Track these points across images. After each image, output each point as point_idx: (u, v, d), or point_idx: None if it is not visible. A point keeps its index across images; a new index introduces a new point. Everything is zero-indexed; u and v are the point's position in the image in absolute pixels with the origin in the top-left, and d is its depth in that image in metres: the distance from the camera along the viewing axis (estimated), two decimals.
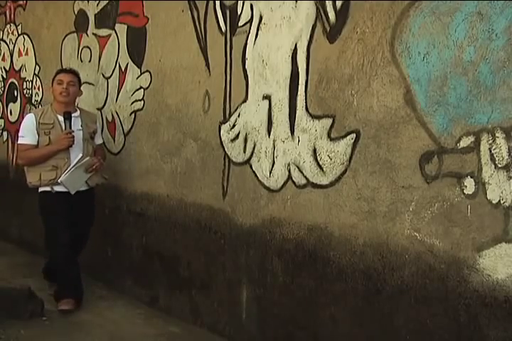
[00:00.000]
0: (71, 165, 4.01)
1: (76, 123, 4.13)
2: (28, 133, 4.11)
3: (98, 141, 4.38)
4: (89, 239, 4.41)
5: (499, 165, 2.32)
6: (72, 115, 4.11)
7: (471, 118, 2.42)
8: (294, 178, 3.21)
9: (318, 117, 3.06)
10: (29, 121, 4.14)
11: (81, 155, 4.04)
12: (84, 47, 4.98)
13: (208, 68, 3.75)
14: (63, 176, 3.99)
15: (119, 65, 4.55)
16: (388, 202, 2.74)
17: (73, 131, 4.05)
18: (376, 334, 2.81)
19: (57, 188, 4.07)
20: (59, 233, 4.06)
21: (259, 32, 3.39)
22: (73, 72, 4.26)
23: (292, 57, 3.18)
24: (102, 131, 4.60)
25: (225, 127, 3.65)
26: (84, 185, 4.16)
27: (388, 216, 2.74)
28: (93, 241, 4.86)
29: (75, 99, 4.27)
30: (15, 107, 6.11)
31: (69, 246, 4.06)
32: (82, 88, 4.99)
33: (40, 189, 4.13)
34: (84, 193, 4.19)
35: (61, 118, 4.09)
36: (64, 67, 4.59)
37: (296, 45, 3.16)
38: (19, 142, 4.17)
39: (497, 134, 2.33)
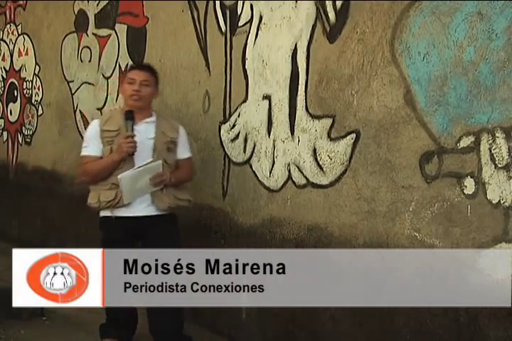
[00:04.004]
0: (136, 166, 3.16)
1: (148, 131, 3.27)
2: (90, 143, 3.31)
3: (182, 154, 3.40)
4: None
5: (499, 165, 2.32)
6: (145, 120, 3.29)
7: (471, 118, 2.42)
8: (294, 178, 3.21)
9: (318, 117, 3.06)
10: (92, 128, 3.36)
11: (151, 159, 3.19)
12: (84, 47, 4.98)
13: (208, 68, 3.75)
14: (124, 173, 3.13)
15: (119, 65, 4.55)
16: (388, 202, 2.74)
17: (135, 135, 3.19)
18: (376, 334, 2.81)
19: (118, 213, 3.24)
20: None
21: (259, 32, 3.39)
22: (149, 69, 3.38)
23: (292, 57, 3.18)
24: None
25: (225, 127, 3.65)
26: (148, 204, 3.25)
27: (388, 216, 2.74)
28: (93, 241, 4.86)
29: (150, 102, 3.39)
30: (15, 107, 6.11)
31: None
32: (82, 88, 5.03)
33: (101, 213, 3.31)
34: (156, 220, 3.25)
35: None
36: (138, 62, 3.59)
37: (296, 45, 3.16)
38: (81, 154, 3.38)
39: (497, 134, 2.33)
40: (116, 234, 3.23)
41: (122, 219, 3.23)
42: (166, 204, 3.25)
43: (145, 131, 3.25)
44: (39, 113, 5.66)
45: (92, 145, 3.29)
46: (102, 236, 3.34)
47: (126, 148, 3.15)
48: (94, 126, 3.34)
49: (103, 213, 3.29)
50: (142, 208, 3.23)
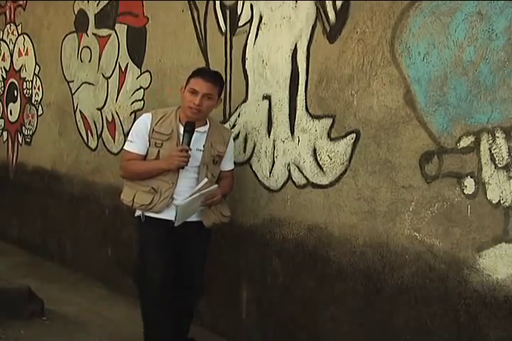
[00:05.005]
0: (195, 189, 3.00)
1: (198, 141, 3.09)
2: (137, 139, 3.11)
3: (226, 166, 3.28)
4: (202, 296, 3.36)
5: (499, 165, 2.32)
6: (197, 129, 3.07)
7: (471, 118, 2.42)
8: (294, 178, 3.21)
9: (318, 117, 3.06)
10: (143, 123, 3.13)
11: (206, 179, 3.04)
12: (84, 47, 4.98)
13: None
14: (183, 200, 2.99)
15: (119, 65, 4.55)
16: (388, 202, 2.74)
17: (190, 149, 3.02)
18: (376, 334, 2.81)
19: (148, 214, 3.11)
20: (151, 268, 3.10)
21: (259, 32, 3.39)
22: (215, 79, 3.11)
23: (292, 57, 3.19)
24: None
25: None
26: (193, 217, 3.14)
27: (388, 216, 2.74)
28: (93, 241, 4.87)
29: (209, 112, 3.19)
30: (15, 107, 6.11)
31: (164, 291, 3.08)
32: (82, 88, 5.03)
33: (136, 213, 3.21)
34: (192, 227, 3.13)
35: (182, 129, 3.06)
36: (205, 68, 3.36)
37: (296, 45, 3.16)
38: (124, 147, 3.21)
39: (497, 134, 2.33)
40: (154, 231, 3.12)
41: (157, 220, 3.10)
42: (212, 221, 3.18)
43: (196, 142, 3.07)
44: (39, 113, 5.66)
45: (138, 143, 3.11)
46: (138, 232, 3.28)
47: (178, 162, 2.99)
48: (145, 122, 3.12)
49: (138, 213, 3.19)
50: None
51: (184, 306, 3.25)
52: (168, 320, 3.13)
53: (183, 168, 3.01)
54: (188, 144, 3.01)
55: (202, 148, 3.11)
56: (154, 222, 3.10)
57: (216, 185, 3.07)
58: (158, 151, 3.07)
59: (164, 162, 3.03)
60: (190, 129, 3.02)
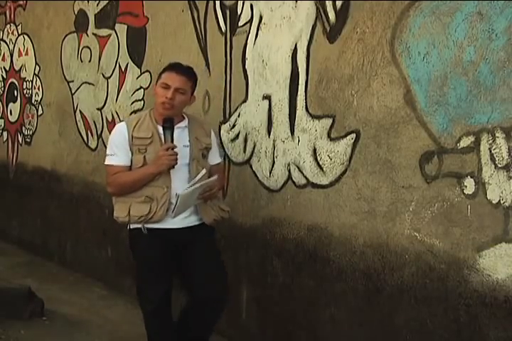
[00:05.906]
0: (196, 179, 2.86)
1: (182, 137, 2.96)
2: (117, 151, 2.95)
3: (214, 160, 3.15)
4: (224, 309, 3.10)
5: (499, 165, 2.32)
6: (178, 126, 2.95)
7: (471, 118, 2.42)
8: (294, 178, 3.21)
9: (318, 117, 3.06)
10: (119, 133, 2.97)
11: (205, 170, 2.91)
12: (84, 47, 4.98)
13: (208, 68, 3.75)
14: (184, 190, 2.81)
15: (119, 65, 4.55)
16: (388, 202, 2.74)
17: (175, 146, 2.88)
18: (376, 334, 2.81)
19: (149, 226, 2.92)
20: (149, 286, 3.00)
21: (259, 32, 3.39)
22: (188, 74, 3.01)
23: (292, 57, 3.18)
24: (221, 145, 3.45)
25: (225, 127, 3.65)
26: (186, 216, 2.98)
27: (388, 216, 2.74)
28: (93, 241, 4.87)
29: (183, 108, 3.05)
30: (15, 107, 6.11)
31: (162, 305, 3.00)
32: (82, 88, 5.03)
33: (131, 225, 3.00)
34: (195, 231, 3.00)
35: (162, 129, 2.93)
36: (178, 63, 3.13)
37: (296, 45, 3.16)
38: (106, 163, 3.03)
39: (497, 134, 2.33)
40: (151, 245, 2.95)
41: (158, 231, 2.92)
42: (212, 217, 3.04)
43: (179, 138, 2.93)
44: (39, 113, 5.66)
45: (120, 154, 2.95)
46: (132, 245, 3.07)
47: (168, 161, 2.84)
48: (122, 131, 2.96)
49: (133, 225, 2.98)
50: (179, 220, 2.95)
51: (196, 317, 3.05)
52: (169, 331, 3.08)
53: (173, 167, 2.87)
54: (172, 141, 2.88)
55: (188, 144, 2.98)
56: (153, 234, 2.93)
57: (216, 176, 2.97)
58: (144, 157, 2.92)
59: (153, 166, 2.88)
60: (169, 125, 2.89)
